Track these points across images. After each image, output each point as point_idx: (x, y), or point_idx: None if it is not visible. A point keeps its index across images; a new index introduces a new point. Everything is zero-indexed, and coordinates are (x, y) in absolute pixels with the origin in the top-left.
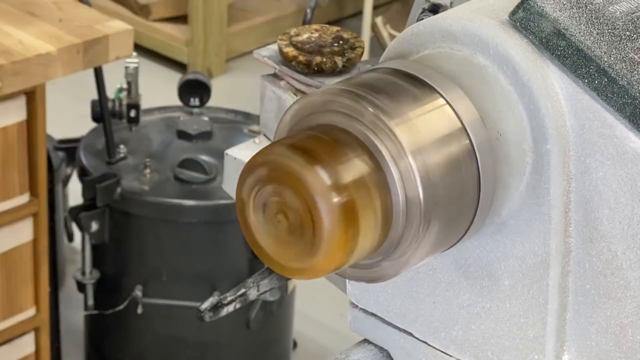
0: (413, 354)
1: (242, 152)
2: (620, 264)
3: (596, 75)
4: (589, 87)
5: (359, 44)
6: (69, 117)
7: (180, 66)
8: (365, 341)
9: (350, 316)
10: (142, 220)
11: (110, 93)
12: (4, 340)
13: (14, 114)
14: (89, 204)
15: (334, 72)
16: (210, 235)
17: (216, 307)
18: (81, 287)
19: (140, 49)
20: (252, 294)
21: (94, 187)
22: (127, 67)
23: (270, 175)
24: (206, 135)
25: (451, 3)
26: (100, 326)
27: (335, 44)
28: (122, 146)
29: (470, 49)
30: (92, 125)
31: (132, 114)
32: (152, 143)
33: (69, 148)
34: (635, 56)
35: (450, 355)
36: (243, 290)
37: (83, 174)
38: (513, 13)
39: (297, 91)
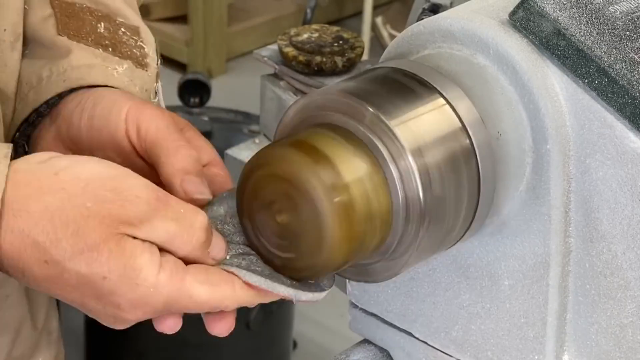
0: (413, 354)
1: (242, 152)
2: (620, 264)
3: (596, 75)
4: (589, 87)
5: (358, 44)
6: None
7: (180, 66)
8: (365, 341)
9: (350, 316)
10: None
11: None
12: None
13: None
14: None
15: (334, 72)
16: None
17: None
18: None
19: None
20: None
21: None
22: None
23: (271, 175)
24: (206, 135)
25: (451, 3)
26: (100, 326)
27: (335, 44)
28: None
29: (470, 49)
30: None
31: None
32: None
33: None
34: (635, 56)
35: (450, 355)
36: None
37: None
38: (513, 13)
39: (297, 91)
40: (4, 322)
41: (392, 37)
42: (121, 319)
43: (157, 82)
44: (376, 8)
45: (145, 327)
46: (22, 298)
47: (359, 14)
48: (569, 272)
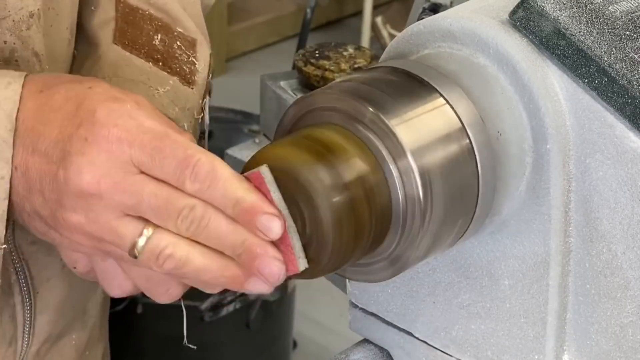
0: (413, 354)
1: (242, 152)
2: (620, 264)
3: (596, 75)
4: (589, 86)
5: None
6: None
7: None
8: (365, 341)
9: (350, 316)
10: None
11: None
12: None
13: None
14: None
15: None
16: None
17: (216, 307)
18: None
19: None
20: (252, 294)
21: None
22: None
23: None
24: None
25: (451, 3)
26: None
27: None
28: None
29: (470, 49)
30: None
31: None
32: None
33: None
34: (635, 56)
35: (450, 355)
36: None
37: None
38: (513, 12)
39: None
40: (45, 303)
41: (392, 37)
42: (93, 139)
43: (204, 97)
44: (376, 8)
45: (145, 327)
46: (63, 281)
47: (359, 13)
48: (569, 272)
